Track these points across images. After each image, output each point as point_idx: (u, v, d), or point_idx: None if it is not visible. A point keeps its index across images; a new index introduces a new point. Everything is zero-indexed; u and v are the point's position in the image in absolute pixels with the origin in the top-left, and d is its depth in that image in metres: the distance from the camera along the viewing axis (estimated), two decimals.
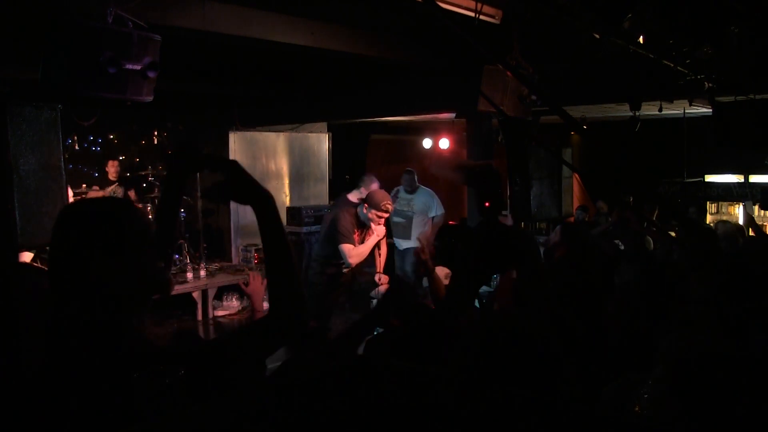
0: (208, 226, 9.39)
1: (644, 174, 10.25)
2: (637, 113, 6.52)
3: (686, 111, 8.03)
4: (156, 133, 9.14)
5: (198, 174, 8.70)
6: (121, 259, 1.32)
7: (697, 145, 9.09)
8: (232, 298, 8.16)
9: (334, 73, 7.12)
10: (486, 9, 4.07)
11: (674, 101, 6.62)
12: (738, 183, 9.97)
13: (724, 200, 10.04)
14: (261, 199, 1.44)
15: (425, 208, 7.67)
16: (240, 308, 8.15)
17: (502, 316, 2.15)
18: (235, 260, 9.24)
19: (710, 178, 10.27)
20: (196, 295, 7.91)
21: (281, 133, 9.90)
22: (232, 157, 9.27)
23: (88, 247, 1.31)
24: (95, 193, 7.93)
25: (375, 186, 7.00)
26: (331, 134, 10.37)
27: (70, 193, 5.75)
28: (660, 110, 6.94)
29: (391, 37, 5.47)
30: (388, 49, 5.54)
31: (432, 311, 2.68)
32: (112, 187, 8.30)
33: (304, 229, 8.46)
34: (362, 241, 5.53)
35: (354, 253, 5.38)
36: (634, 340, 2.93)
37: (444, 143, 9.39)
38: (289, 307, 1.44)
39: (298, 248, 7.39)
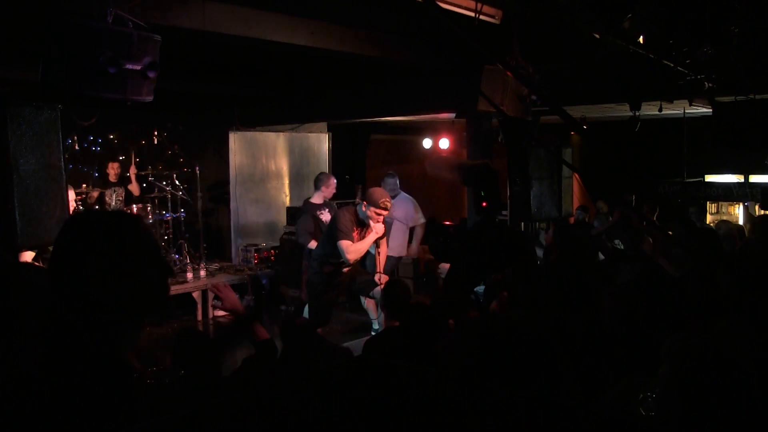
0: (208, 226, 9.38)
1: (644, 174, 10.24)
2: (637, 113, 6.51)
3: (686, 111, 8.02)
4: (156, 133, 9.13)
5: (198, 172, 8.73)
6: (120, 274, 1.33)
7: (696, 145, 9.09)
8: None
9: (334, 73, 7.12)
10: (486, 9, 4.08)
11: (674, 101, 6.61)
12: (738, 183, 9.96)
13: (724, 200, 10.01)
14: None
15: (405, 218, 7.26)
16: None
17: (501, 317, 2.15)
18: (235, 260, 9.23)
19: (710, 178, 10.25)
20: (196, 295, 7.92)
21: (281, 133, 9.89)
22: (232, 156, 9.31)
23: (88, 259, 1.32)
24: (96, 193, 7.93)
25: (332, 182, 6.94)
26: (331, 134, 10.36)
27: (71, 193, 5.75)
28: (660, 110, 6.92)
29: (391, 37, 5.46)
30: (388, 49, 5.53)
31: (429, 309, 2.68)
32: (113, 187, 8.29)
33: None
34: (362, 239, 5.54)
35: (352, 249, 5.39)
36: (634, 340, 2.93)
37: (444, 143, 9.39)
38: None
39: (297, 248, 7.36)
